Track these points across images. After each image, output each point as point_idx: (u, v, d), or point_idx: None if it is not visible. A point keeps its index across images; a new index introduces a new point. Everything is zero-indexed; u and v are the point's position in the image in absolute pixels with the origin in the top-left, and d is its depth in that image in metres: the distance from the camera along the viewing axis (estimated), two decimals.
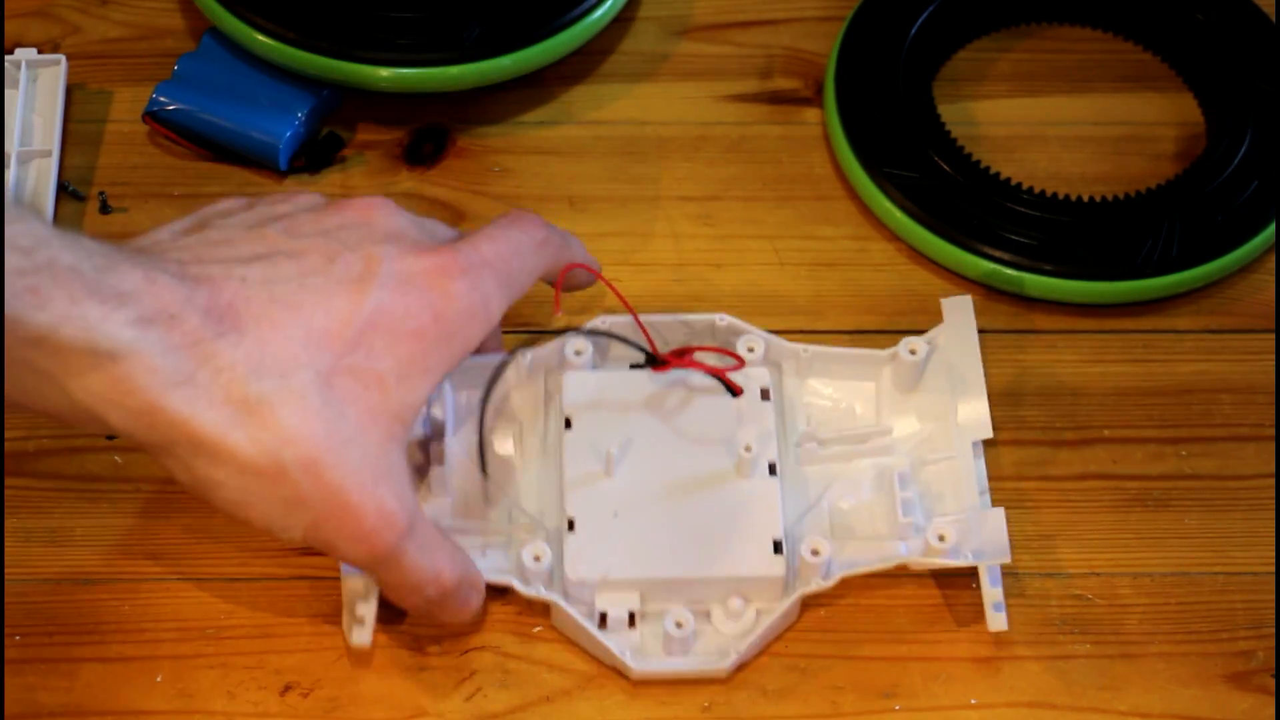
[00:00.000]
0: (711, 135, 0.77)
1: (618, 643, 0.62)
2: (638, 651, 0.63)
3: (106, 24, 0.80)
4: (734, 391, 0.66)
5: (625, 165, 0.76)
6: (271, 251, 0.57)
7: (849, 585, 0.64)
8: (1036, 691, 0.63)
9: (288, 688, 0.62)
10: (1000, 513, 0.63)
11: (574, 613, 0.62)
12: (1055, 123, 0.78)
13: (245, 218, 0.59)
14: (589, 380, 0.67)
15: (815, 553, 0.62)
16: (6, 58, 0.75)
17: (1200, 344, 0.71)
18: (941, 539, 0.62)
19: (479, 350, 0.63)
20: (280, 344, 0.55)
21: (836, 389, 0.69)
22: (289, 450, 0.54)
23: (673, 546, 0.63)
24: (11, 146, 0.73)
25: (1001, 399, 0.69)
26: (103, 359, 0.52)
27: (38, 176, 0.73)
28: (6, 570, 0.64)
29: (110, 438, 0.67)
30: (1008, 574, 0.65)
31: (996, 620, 0.62)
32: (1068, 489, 0.67)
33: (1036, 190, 0.73)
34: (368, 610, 0.62)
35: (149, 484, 0.67)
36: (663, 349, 0.66)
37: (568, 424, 0.65)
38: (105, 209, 0.74)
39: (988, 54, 0.80)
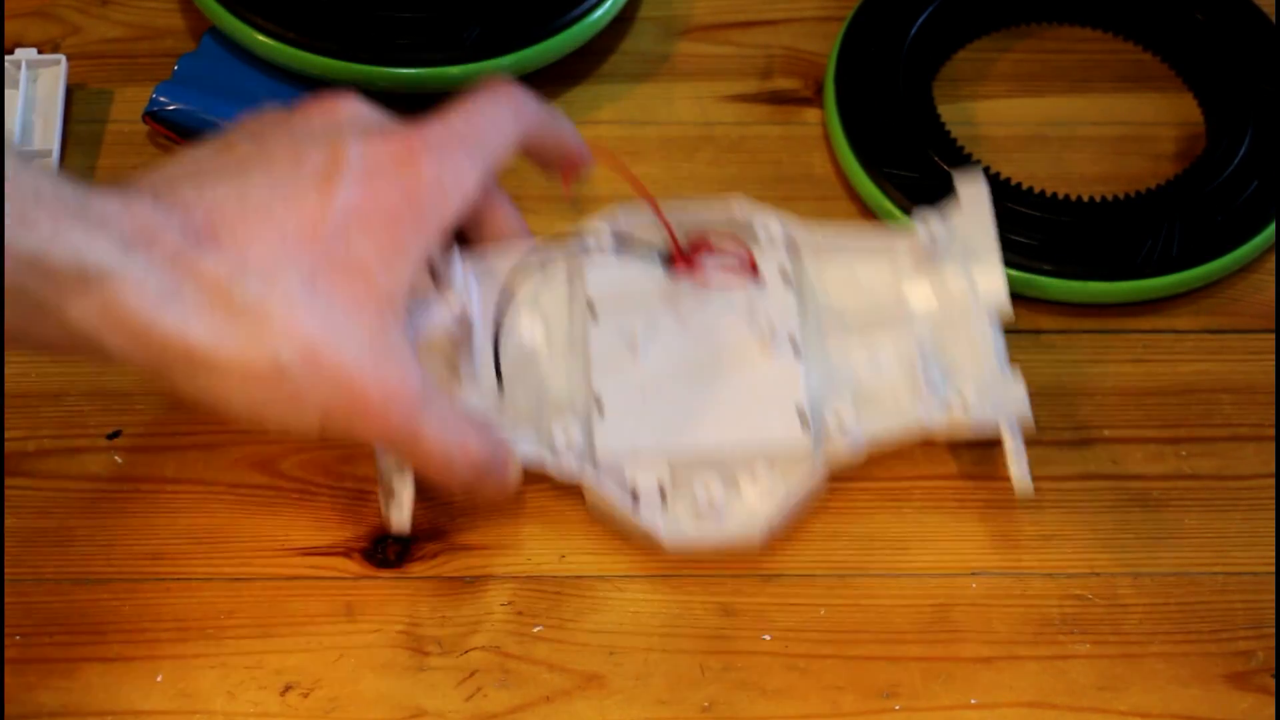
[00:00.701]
0: (711, 135, 0.77)
1: (650, 517, 0.64)
2: (670, 527, 0.64)
3: (106, 24, 0.80)
4: (753, 275, 0.68)
5: (626, 165, 0.76)
6: (240, 164, 0.58)
7: (851, 586, 0.64)
8: (1036, 691, 0.63)
9: (288, 688, 0.62)
10: (1021, 383, 0.64)
11: (607, 489, 0.64)
12: (1055, 123, 0.78)
13: (215, 141, 0.60)
14: (611, 267, 0.68)
15: (839, 419, 0.64)
16: (6, 58, 0.75)
17: (1200, 344, 0.71)
18: (962, 403, 0.64)
19: (496, 231, 0.67)
20: (259, 249, 0.56)
21: (855, 268, 0.70)
22: (285, 348, 0.55)
23: (699, 421, 0.65)
24: (12, 147, 0.73)
25: None
26: (91, 281, 0.53)
27: None
28: (6, 570, 0.64)
29: (110, 436, 0.68)
30: (1008, 575, 0.65)
31: (1022, 484, 0.63)
32: (1068, 489, 0.67)
33: (1036, 190, 0.73)
34: (404, 488, 0.63)
35: (149, 484, 0.67)
36: (680, 237, 0.68)
37: (592, 311, 0.67)
38: None
39: (987, 54, 0.80)
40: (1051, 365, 0.70)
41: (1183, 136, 0.77)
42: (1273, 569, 0.65)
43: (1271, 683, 0.63)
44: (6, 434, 0.68)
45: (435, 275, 0.66)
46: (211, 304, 0.55)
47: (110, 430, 0.68)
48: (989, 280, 0.68)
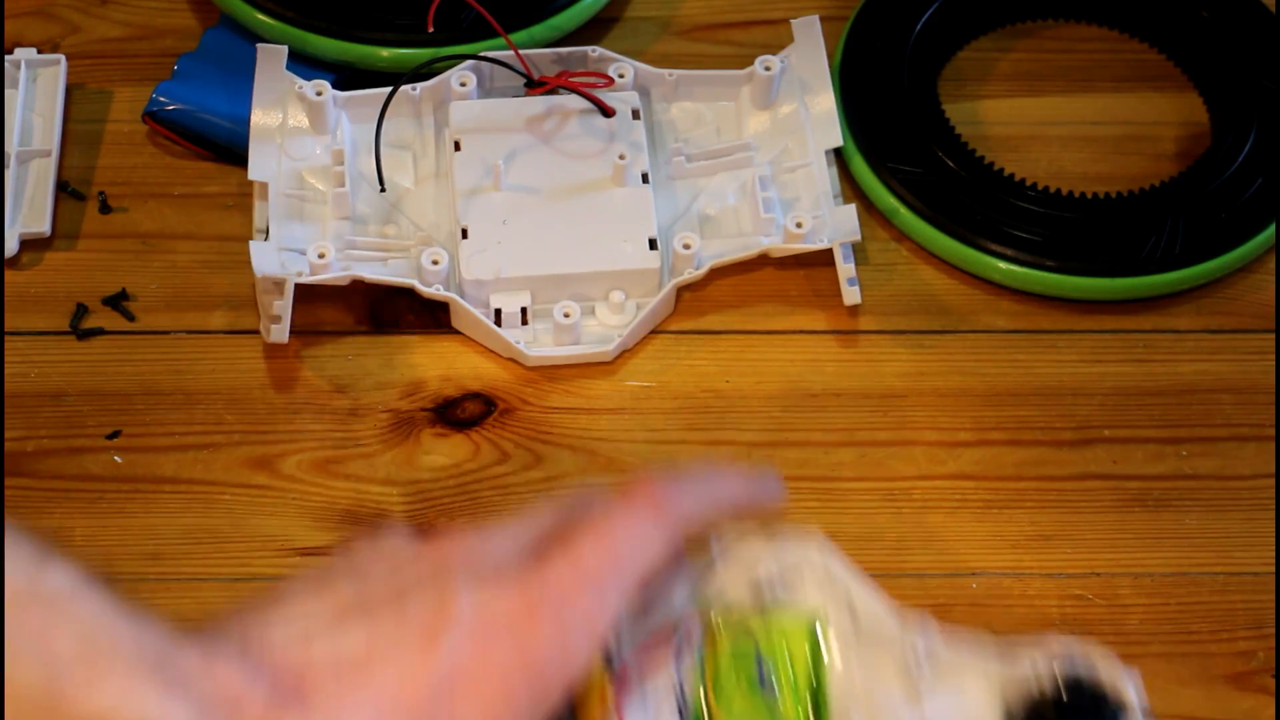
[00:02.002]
0: None
1: (513, 335, 0.69)
2: (531, 344, 0.69)
3: (106, 24, 0.79)
4: (606, 112, 0.73)
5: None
6: (339, 611, 0.51)
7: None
8: None
9: None
10: (852, 208, 0.71)
11: (472, 309, 0.69)
12: (1057, 122, 0.78)
13: (314, 575, 0.53)
14: (474, 107, 0.73)
15: (687, 246, 0.70)
16: (6, 57, 0.75)
17: (1200, 344, 0.71)
18: (799, 226, 0.70)
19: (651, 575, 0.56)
20: (351, 715, 0.48)
21: (700, 109, 0.76)
22: None
23: (558, 247, 0.70)
24: (11, 146, 0.73)
25: (1001, 399, 0.69)
26: None
27: (37, 176, 0.73)
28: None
29: (110, 436, 0.68)
30: (1008, 575, 0.65)
31: (851, 294, 0.70)
32: (1068, 489, 0.67)
33: (1040, 187, 0.73)
34: (284, 308, 0.67)
35: (149, 484, 0.67)
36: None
37: (457, 147, 0.72)
38: (105, 209, 0.74)
39: (990, 53, 0.80)
40: (1052, 365, 0.70)
41: (1183, 137, 0.77)
42: (1273, 569, 0.65)
43: (1272, 683, 0.63)
44: (6, 434, 0.68)
45: (311, 116, 0.72)
46: None
47: (110, 430, 0.68)
48: (823, 120, 0.73)
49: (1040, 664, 0.56)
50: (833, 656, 0.57)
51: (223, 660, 0.48)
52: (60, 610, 0.46)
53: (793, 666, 0.57)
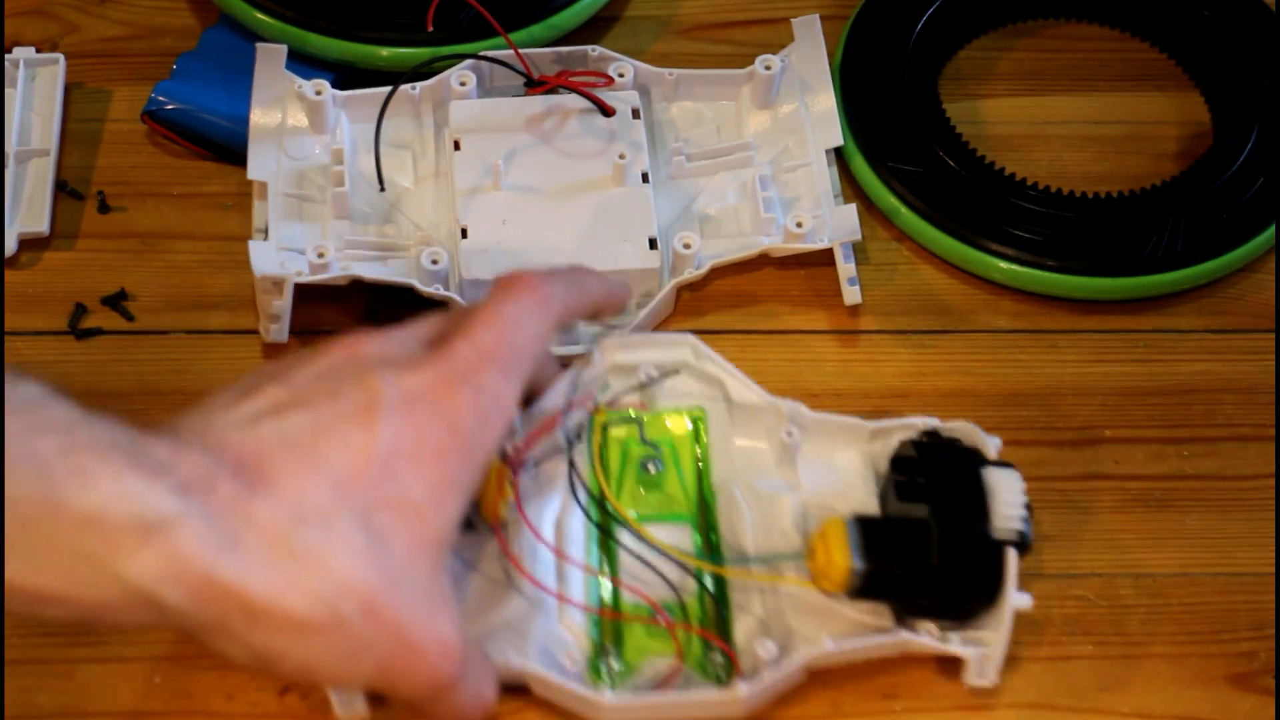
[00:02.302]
0: None
1: None
2: None
3: (105, 23, 0.80)
4: (606, 111, 0.72)
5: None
6: (275, 405, 0.56)
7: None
8: (1037, 692, 0.62)
9: (287, 688, 0.62)
10: (852, 207, 0.71)
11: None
12: (1058, 122, 0.78)
13: (238, 387, 0.57)
14: (474, 106, 0.73)
15: (687, 246, 0.70)
16: (5, 56, 0.75)
17: (1202, 344, 0.71)
18: (799, 225, 0.70)
19: (538, 390, 0.65)
20: (312, 491, 0.54)
21: (701, 108, 0.76)
22: (346, 599, 0.53)
23: (559, 247, 0.70)
24: (10, 145, 0.73)
25: (1002, 399, 0.69)
26: (152, 532, 0.51)
27: (36, 176, 0.73)
28: None
29: None
30: None
31: (851, 294, 0.70)
32: (1068, 489, 0.67)
33: (1041, 186, 0.73)
34: (283, 308, 0.67)
35: None
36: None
37: (456, 146, 0.72)
38: (104, 208, 0.74)
39: (990, 53, 0.80)
40: (1053, 365, 0.70)
41: (1184, 136, 0.77)
42: (1274, 570, 0.65)
43: (1273, 684, 0.63)
44: None
45: (310, 115, 0.73)
46: (271, 553, 0.52)
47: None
48: (823, 119, 0.74)
49: (903, 428, 0.64)
50: (713, 439, 0.65)
51: (186, 448, 0.53)
52: (36, 414, 0.51)
53: (677, 452, 0.65)
